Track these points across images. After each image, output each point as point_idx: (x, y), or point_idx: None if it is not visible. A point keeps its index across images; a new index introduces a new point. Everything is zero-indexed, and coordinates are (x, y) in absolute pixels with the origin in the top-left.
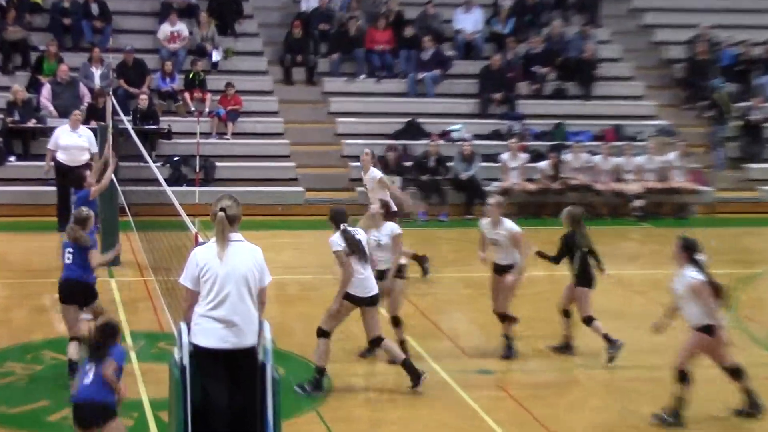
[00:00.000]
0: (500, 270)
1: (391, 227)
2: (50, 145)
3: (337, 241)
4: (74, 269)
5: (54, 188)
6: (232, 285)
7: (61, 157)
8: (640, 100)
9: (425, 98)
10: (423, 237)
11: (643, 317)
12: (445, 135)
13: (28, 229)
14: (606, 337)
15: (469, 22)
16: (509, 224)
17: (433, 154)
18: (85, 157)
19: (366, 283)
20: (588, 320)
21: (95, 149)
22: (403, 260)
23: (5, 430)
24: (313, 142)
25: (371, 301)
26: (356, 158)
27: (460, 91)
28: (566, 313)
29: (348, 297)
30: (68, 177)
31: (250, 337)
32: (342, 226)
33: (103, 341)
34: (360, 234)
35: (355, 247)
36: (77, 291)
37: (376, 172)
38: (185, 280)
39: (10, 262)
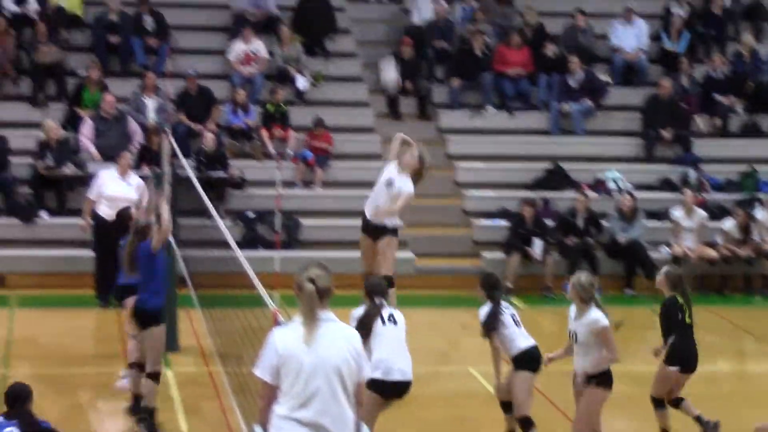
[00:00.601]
0: None
1: (596, 317)
2: (91, 195)
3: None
4: None
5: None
6: (322, 378)
7: (104, 210)
8: None
9: (572, 137)
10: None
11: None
12: (598, 185)
13: (62, 303)
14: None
15: (630, 37)
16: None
17: (582, 210)
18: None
19: None
20: (677, 402)
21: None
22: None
23: None
24: (426, 193)
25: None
26: (482, 214)
27: (618, 127)
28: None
29: None
30: (112, 230)
31: None
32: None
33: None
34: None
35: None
36: None
37: None
38: (261, 371)
39: (41, 347)
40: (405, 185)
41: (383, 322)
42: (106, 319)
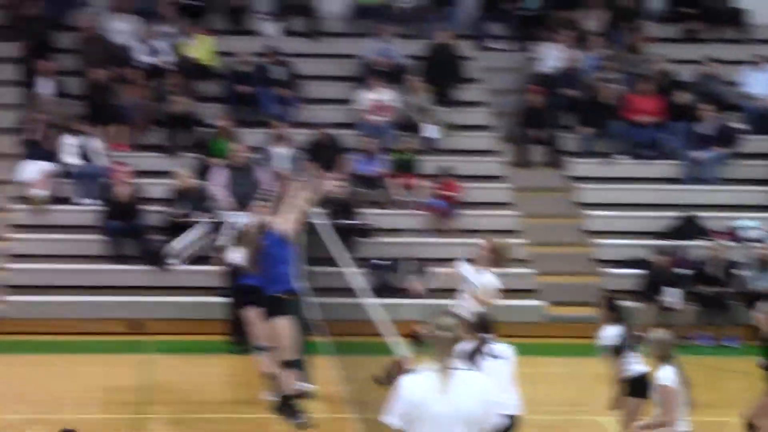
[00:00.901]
0: None
1: (660, 374)
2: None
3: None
4: None
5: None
6: (454, 427)
7: (236, 257)
8: None
9: (705, 185)
10: (707, 368)
11: None
12: (733, 234)
13: (197, 349)
14: None
15: (762, 84)
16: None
17: (717, 260)
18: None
19: None
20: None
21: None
22: None
23: None
24: (556, 242)
25: None
26: (612, 263)
27: (753, 175)
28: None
29: None
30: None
31: None
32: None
33: None
34: None
35: None
36: None
37: None
38: (391, 417)
39: (180, 392)
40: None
41: (490, 357)
42: (241, 365)
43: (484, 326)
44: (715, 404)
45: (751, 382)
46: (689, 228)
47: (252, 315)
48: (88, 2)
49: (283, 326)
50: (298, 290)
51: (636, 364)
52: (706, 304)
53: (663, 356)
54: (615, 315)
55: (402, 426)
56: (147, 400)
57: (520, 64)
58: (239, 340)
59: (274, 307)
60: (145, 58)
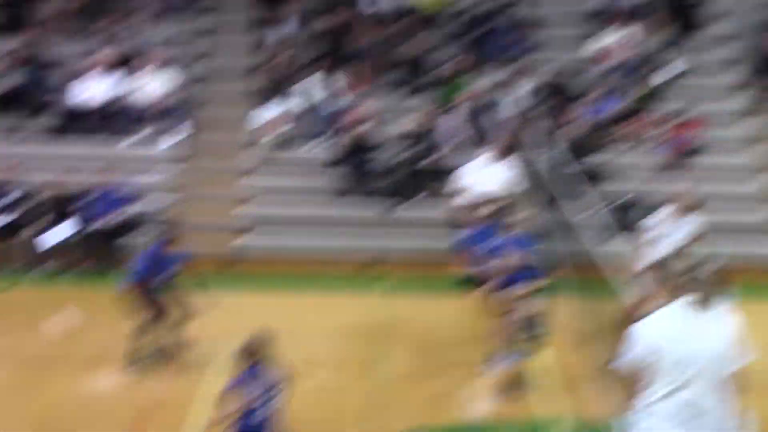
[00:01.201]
0: None
1: None
2: (461, 183)
3: None
4: None
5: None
6: (699, 366)
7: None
8: None
9: None
10: None
11: None
12: None
13: (428, 287)
14: None
15: None
16: None
17: None
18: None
19: None
20: None
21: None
22: None
23: None
24: None
25: None
26: None
27: None
28: None
29: None
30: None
31: None
32: None
33: None
34: None
35: None
36: None
37: None
38: (630, 357)
39: (417, 332)
40: None
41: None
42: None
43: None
44: None
45: None
46: None
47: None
48: None
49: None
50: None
51: None
52: None
53: None
54: None
55: (640, 367)
56: (382, 338)
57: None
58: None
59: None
60: (385, 6)
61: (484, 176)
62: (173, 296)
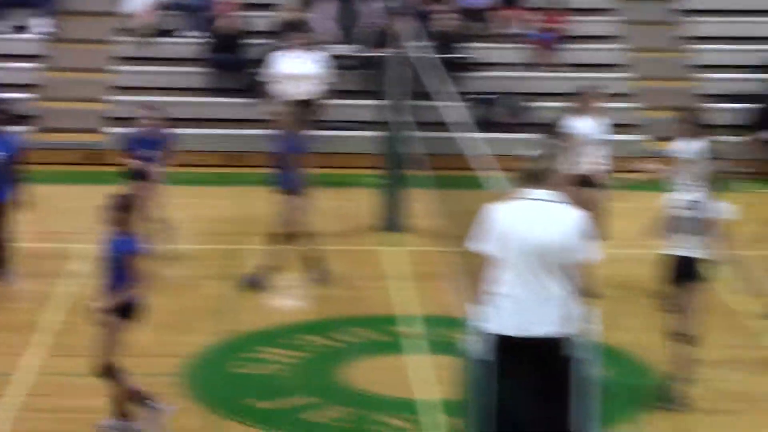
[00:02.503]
0: None
1: None
2: (268, 77)
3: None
4: None
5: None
6: (535, 256)
7: (284, 89)
8: None
9: None
10: None
11: None
12: None
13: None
14: None
15: None
16: None
17: None
18: (313, 89)
19: None
20: None
21: (329, 79)
22: None
23: (256, 427)
24: (663, 76)
25: None
26: (717, 97)
27: None
28: None
29: None
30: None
31: (560, 326)
32: None
33: None
34: None
35: None
36: None
37: None
38: (480, 244)
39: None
40: None
41: None
42: (336, 195)
43: None
44: None
45: None
46: None
47: None
48: None
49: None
50: None
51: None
52: None
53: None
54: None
55: (490, 251)
56: (244, 230)
57: None
58: None
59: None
60: None
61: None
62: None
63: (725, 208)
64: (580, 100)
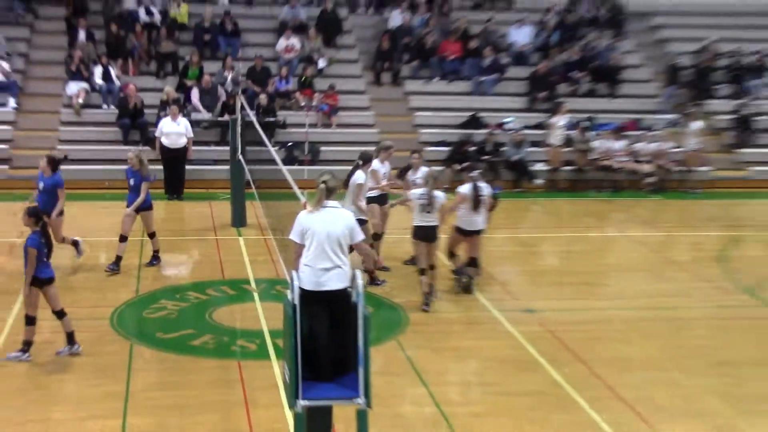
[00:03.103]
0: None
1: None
2: (156, 133)
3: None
4: None
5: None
6: (327, 242)
7: (165, 141)
8: (655, 98)
9: (485, 96)
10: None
11: (656, 270)
12: (500, 126)
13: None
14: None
15: (521, 36)
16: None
17: (490, 141)
18: (182, 141)
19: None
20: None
21: (191, 134)
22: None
23: (160, 350)
24: (397, 131)
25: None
26: (432, 143)
27: (513, 90)
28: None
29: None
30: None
31: (343, 282)
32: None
33: None
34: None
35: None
36: None
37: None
38: (293, 236)
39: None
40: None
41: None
42: (173, 207)
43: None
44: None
45: (506, 213)
46: (475, 123)
47: None
48: None
49: None
50: None
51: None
52: (487, 169)
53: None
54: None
55: (299, 241)
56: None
57: (376, 22)
58: (171, 192)
59: None
60: (144, 18)
61: (170, 127)
62: None
63: (441, 196)
64: (377, 150)
